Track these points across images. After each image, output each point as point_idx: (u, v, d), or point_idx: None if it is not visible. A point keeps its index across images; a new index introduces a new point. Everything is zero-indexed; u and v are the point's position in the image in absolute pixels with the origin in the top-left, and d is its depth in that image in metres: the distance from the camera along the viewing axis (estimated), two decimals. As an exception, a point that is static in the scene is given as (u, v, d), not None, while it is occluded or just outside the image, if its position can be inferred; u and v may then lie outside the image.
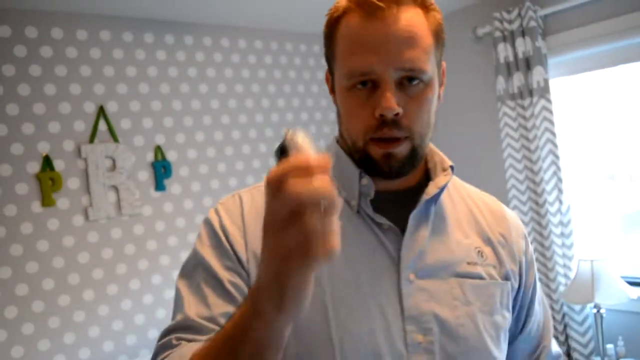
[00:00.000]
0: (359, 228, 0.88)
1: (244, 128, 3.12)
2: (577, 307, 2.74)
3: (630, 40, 2.55)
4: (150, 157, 2.80)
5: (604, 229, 2.92)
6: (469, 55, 3.13)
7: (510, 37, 2.83)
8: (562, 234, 2.78)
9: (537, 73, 2.74)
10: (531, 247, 1.02)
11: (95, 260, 2.61)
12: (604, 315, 2.56)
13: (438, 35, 0.85)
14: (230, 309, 0.80)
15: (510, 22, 2.82)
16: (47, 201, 2.49)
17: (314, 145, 0.58)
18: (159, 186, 2.80)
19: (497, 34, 2.86)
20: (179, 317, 0.82)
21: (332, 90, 0.92)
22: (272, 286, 0.59)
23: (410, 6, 0.81)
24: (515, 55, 2.82)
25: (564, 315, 2.80)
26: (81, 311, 2.55)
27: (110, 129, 2.68)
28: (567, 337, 2.81)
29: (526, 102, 2.82)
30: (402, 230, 0.87)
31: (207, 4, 2.71)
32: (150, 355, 2.65)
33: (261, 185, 0.92)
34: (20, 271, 2.41)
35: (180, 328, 0.81)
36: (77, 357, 2.51)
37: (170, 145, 2.86)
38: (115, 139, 2.69)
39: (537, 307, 1.01)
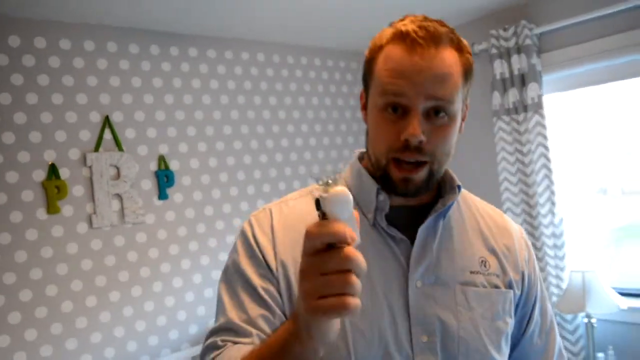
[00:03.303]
0: (373, 239, 0.96)
1: (245, 139, 3.19)
2: (569, 317, 2.82)
3: (621, 59, 2.65)
4: (153, 166, 2.85)
5: (595, 241, 3.01)
6: (466, 70, 3.21)
7: (506, 54, 2.93)
8: (554, 246, 2.86)
9: (531, 89, 2.83)
10: (534, 257, 1.10)
11: (99, 267, 2.65)
12: (595, 324, 2.63)
13: (467, 76, 0.94)
14: (264, 312, 0.91)
15: (506, 39, 2.91)
16: (52, 208, 2.53)
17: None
18: (162, 195, 2.85)
19: (494, 50, 2.95)
20: (221, 319, 0.93)
21: (364, 108, 1.00)
22: (305, 321, 0.70)
23: (447, 47, 0.91)
24: (511, 71, 2.91)
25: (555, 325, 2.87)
26: (84, 317, 2.58)
27: (115, 138, 2.73)
28: (559, 346, 2.87)
29: (521, 117, 2.91)
30: (413, 241, 0.96)
31: (212, 17, 2.77)
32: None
33: (288, 200, 1.04)
34: (24, 277, 2.44)
35: (224, 330, 0.91)
36: (79, 363, 2.54)
37: (173, 155, 2.91)
38: (120, 148, 2.74)
39: (538, 317, 1.08)
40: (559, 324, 2.86)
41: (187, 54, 3.00)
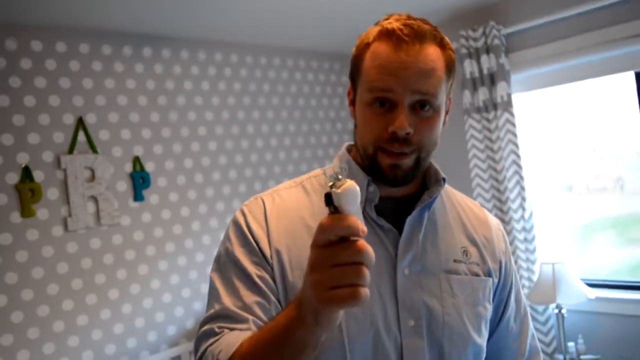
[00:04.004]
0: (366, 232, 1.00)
1: (220, 139, 3.19)
2: (540, 308, 2.90)
3: (586, 58, 2.74)
4: (128, 167, 2.84)
5: (563, 234, 3.11)
6: (437, 70, 3.28)
7: (475, 54, 3.01)
8: (525, 239, 2.95)
9: (500, 88, 2.91)
10: (510, 249, 1.17)
11: (75, 270, 2.63)
12: (565, 315, 2.73)
13: (450, 71, 0.99)
14: (259, 299, 0.93)
15: (475, 39, 2.99)
16: (26, 212, 2.50)
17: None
18: (138, 196, 2.84)
19: (463, 50, 3.03)
20: (216, 306, 0.94)
21: (352, 103, 1.04)
22: (313, 310, 0.72)
23: (430, 44, 0.95)
24: (481, 71, 2.99)
25: (528, 317, 2.96)
26: (60, 321, 2.56)
27: (89, 140, 2.71)
28: (531, 337, 2.96)
29: (491, 115, 2.99)
30: (400, 231, 1.00)
31: (185, 18, 2.78)
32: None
33: (280, 190, 1.07)
34: (-1, 282, 2.41)
35: (220, 317, 0.92)
36: (56, 367, 2.52)
37: (148, 157, 2.91)
38: (95, 150, 2.72)
39: (513, 303, 1.14)
40: (531, 316, 2.95)
41: (160, 55, 2.99)
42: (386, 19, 0.99)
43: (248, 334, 0.86)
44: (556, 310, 2.73)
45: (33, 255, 2.52)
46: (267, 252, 0.97)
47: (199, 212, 3.07)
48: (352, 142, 1.10)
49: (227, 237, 1.02)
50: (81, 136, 2.70)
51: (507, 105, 2.91)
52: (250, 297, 0.93)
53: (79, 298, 2.62)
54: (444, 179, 1.06)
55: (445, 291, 1.00)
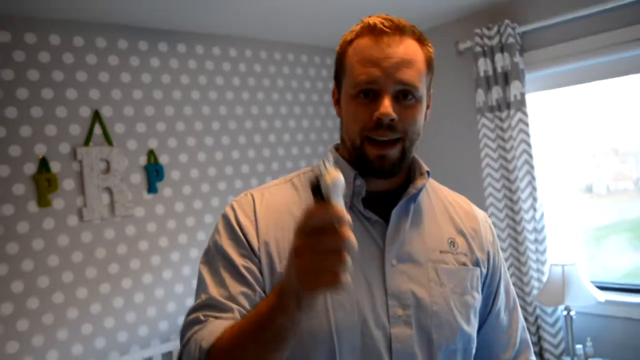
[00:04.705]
0: (351, 221, 1.03)
1: (233, 134, 3.24)
2: (549, 310, 2.89)
3: (603, 58, 2.70)
4: (143, 160, 2.90)
5: (576, 236, 3.08)
6: (451, 68, 3.27)
7: (489, 53, 2.98)
8: (535, 240, 2.93)
9: (514, 87, 2.89)
10: (497, 240, 1.19)
11: (89, 259, 2.70)
12: (574, 317, 2.71)
13: (429, 65, 1.03)
14: (245, 289, 0.97)
15: (490, 38, 2.97)
16: (43, 201, 2.58)
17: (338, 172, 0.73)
18: (151, 189, 2.90)
19: (478, 49, 3.01)
20: (203, 296, 0.98)
21: (337, 103, 1.08)
22: (295, 295, 0.75)
23: (410, 37, 1.00)
24: (495, 69, 2.97)
25: (537, 318, 2.95)
26: (75, 308, 2.64)
27: (105, 133, 2.77)
28: (539, 338, 2.95)
29: (504, 114, 2.97)
30: (387, 223, 1.03)
31: (200, 14, 2.82)
32: (140, 351, 2.76)
33: (270, 186, 1.11)
34: (16, 269, 2.49)
35: (206, 306, 0.96)
36: (69, 352, 2.60)
37: (162, 150, 2.96)
38: (110, 143, 2.78)
39: (503, 295, 1.17)
40: (539, 317, 2.94)
41: (175, 50, 3.04)
42: (368, 18, 1.02)
43: (231, 322, 0.89)
44: (565, 312, 2.72)
45: (49, 244, 2.59)
46: (255, 244, 1.00)
47: (212, 205, 3.12)
48: (338, 142, 1.13)
49: (216, 231, 1.05)
50: (97, 129, 2.76)
51: (521, 104, 2.89)
52: (236, 288, 0.96)
53: (92, 287, 2.70)
54: (428, 172, 1.08)
55: (432, 281, 1.02)
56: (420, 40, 1.01)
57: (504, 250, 3.02)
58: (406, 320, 0.99)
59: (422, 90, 1.00)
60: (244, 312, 0.94)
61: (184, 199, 3.03)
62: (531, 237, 2.93)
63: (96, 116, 2.76)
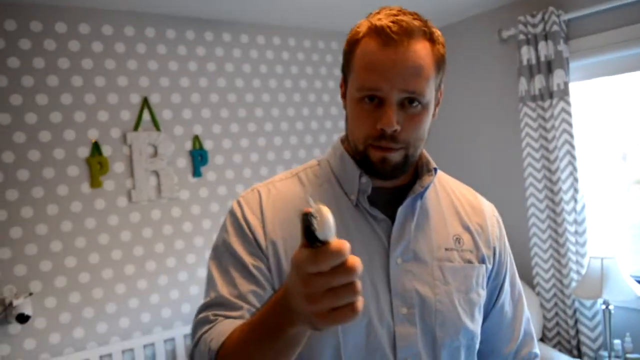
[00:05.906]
0: (356, 219, 1.04)
1: (275, 121, 3.32)
2: (588, 303, 2.84)
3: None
4: (188, 145, 3.02)
5: (621, 230, 3.00)
6: (494, 56, 3.23)
7: (533, 40, 2.93)
8: (576, 232, 2.88)
9: (557, 76, 2.84)
10: (505, 233, 1.18)
11: (137, 238, 2.86)
12: (612, 311, 2.66)
13: (439, 65, 0.99)
14: (254, 288, 0.97)
15: (534, 25, 2.92)
16: (95, 183, 2.74)
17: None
18: (196, 173, 3.03)
19: (521, 36, 2.96)
20: (212, 294, 0.99)
21: (344, 96, 1.06)
22: (311, 326, 0.71)
23: (419, 39, 0.95)
24: (538, 58, 2.92)
25: (575, 311, 2.91)
26: (122, 284, 2.80)
27: (153, 119, 2.91)
28: (577, 331, 2.91)
29: (546, 103, 2.92)
30: (393, 221, 1.03)
31: (244, 3, 2.90)
32: (182, 327, 2.88)
33: (275, 181, 1.10)
34: (70, 245, 2.68)
35: (215, 305, 0.97)
36: (117, 325, 2.77)
37: (207, 135, 3.08)
38: (158, 128, 2.92)
39: (508, 287, 1.16)
40: (577, 310, 2.90)
41: (220, 39, 3.14)
42: (377, 14, 0.99)
43: (241, 322, 0.89)
44: (603, 306, 2.67)
45: (100, 223, 2.76)
46: (263, 242, 1.00)
47: (254, 189, 3.22)
48: (345, 134, 1.12)
49: (224, 228, 1.05)
50: (146, 115, 2.90)
51: (564, 93, 2.83)
52: (245, 286, 0.96)
53: (139, 264, 2.86)
54: (435, 169, 1.07)
55: (437, 279, 1.02)
56: (432, 39, 0.97)
57: (543, 241, 2.99)
58: (410, 318, 0.99)
59: (429, 96, 0.97)
60: (254, 310, 0.94)
61: (226, 183, 3.14)
62: (571, 228, 2.88)
63: (145, 103, 2.90)
